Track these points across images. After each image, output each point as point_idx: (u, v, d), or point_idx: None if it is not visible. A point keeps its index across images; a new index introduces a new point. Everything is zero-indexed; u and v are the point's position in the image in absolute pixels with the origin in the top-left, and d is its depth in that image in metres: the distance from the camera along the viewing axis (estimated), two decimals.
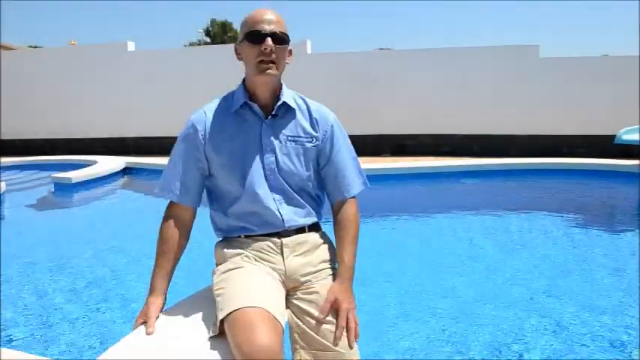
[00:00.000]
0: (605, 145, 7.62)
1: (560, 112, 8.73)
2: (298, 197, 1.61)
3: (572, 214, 4.86)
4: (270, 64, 1.50)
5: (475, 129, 9.08)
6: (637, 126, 6.42)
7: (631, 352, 2.34)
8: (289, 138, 1.59)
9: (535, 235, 4.27)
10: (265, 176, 1.56)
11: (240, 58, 1.58)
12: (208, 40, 39.82)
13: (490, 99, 9.02)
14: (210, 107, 1.60)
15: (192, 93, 8.73)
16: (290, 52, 1.58)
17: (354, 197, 1.66)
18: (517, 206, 5.31)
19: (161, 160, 7.51)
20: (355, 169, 1.67)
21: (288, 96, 1.61)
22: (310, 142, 1.60)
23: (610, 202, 5.78)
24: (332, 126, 1.64)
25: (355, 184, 1.66)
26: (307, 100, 1.67)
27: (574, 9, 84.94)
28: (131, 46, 10.55)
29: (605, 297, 2.95)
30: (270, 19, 1.50)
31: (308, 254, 1.59)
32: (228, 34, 39.95)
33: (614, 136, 6.41)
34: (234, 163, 1.55)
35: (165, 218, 1.59)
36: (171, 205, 1.61)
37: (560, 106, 8.73)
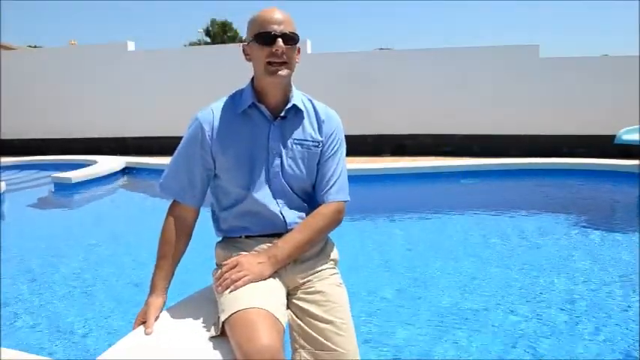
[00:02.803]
0: (605, 145, 7.61)
1: (560, 112, 8.73)
2: (300, 200, 1.61)
3: (572, 215, 4.86)
4: (282, 65, 1.48)
5: (475, 129, 9.08)
6: (637, 126, 6.41)
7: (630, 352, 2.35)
8: (296, 141, 1.57)
9: (535, 235, 4.26)
10: (269, 179, 1.55)
11: (248, 59, 1.56)
12: (208, 40, 39.83)
13: (490, 99, 9.02)
14: (218, 106, 1.58)
15: (192, 93, 8.75)
16: (299, 50, 1.56)
17: (336, 202, 1.60)
18: (517, 206, 5.30)
19: (161, 160, 7.51)
20: (343, 179, 1.64)
21: (297, 98, 1.59)
22: (316, 146, 1.59)
23: (610, 202, 5.78)
24: (335, 131, 1.63)
25: (339, 194, 1.61)
26: (314, 102, 1.65)
27: (574, 9, 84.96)
28: (131, 46, 10.55)
29: (606, 296, 2.95)
30: (280, 18, 1.48)
31: (308, 256, 1.59)
32: (228, 34, 39.98)
33: (614, 136, 6.40)
34: (240, 164, 1.54)
35: (168, 218, 1.58)
36: (174, 204, 1.59)
37: (560, 106, 8.73)
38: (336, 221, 1.60)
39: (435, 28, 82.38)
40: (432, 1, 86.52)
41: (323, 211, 1.57)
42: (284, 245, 1.50)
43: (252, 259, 1.48)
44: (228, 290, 1.41)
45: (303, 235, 1.52)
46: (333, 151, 1.62)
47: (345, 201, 1.63)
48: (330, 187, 1.60)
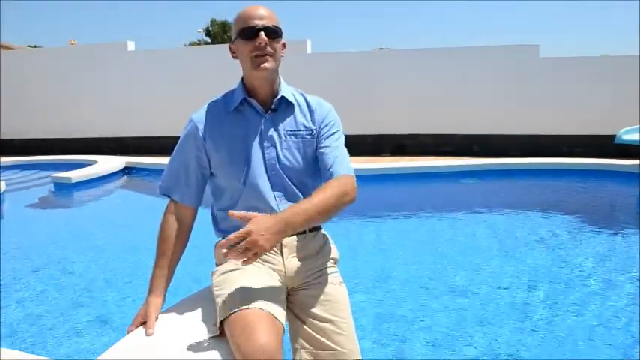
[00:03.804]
0: (604, 145, 7.62)
1: (560, 112, 8.73)
2: (299, 194, 1.60)
3: (572, 215, 4.85)
4: (266, 57, 1.50)
5: (475, 129, 9.08)
6: (637, 126, 6.42)
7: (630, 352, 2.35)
8: (289, 132, 1.58)
9: (535, 235, 4.26)
10: (266, 171, 1.56)
11: (235, 57, 1.59)
12: (208, 40, 39.89)
13: (490, 99, 9.02)
14: (211, 106, 1.61)
15: (191, 93, 8.71)
16: (284, 45, 1.58)
17: (345, 175, 1.53)
18: (517, 206, 5.30)
19: (161, 160, 7.51)
20: (347, 160, 1.60)
21: (286, 91, 1.61)
22: (310, 135, 1.60)
23: (610, 202, 5.77)
24: (328, 116, 1.63)
25: (346, 170, 1.55)
26: (306, 94, 1.67)
27: (574, 9, 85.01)
28: (131, 46, 10.55)
29: (605, 296, 2.95)
30: (262, 14, 1.51)
31: (308, 255, 1.59)
32: (228, 34, 39.98)
33: (614, 136, 6.41)
34: (235, 159, 1.55)
35: (166, 217, 1.59)
36: (171, 203, 1.60)
37: (560, 106, 8.73)
38: (345, 193, 1.47)
39: (434, 28, 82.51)
40: (432, 1, 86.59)
41: (332, 183, 1.49)
42: (297, 216, 1.36)
43: (264, 229, 1.30)
44: (228, 290, 1.41)
45: (314, 205, 1.40)
46: (330, 133, 1.61)
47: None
48: (333, 165, 1.55)
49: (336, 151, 1.59)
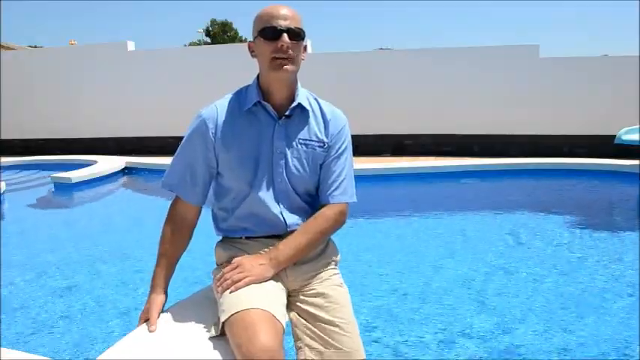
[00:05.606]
0: (605, 145, 7.62)
1: (560, 112, 8.73)
2: (302, 201, 1.59)
3: (572, 215, 4.86)
4: (287, 60, 1.46)
5: (475, 129, 9.08)
6: (637, 126, 6.42)
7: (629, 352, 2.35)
8: (301, 141, 1.55)
9: (535, 235, 4.27)
10: (273, 179, 1.54)
11: (254, 55, 1.55)
12: (208, 40, 39.90)
13: (490, 99, 9.01)
14: (222, 103, 1.56)
15: (191, 93, 8.74)
16: (305, 48, 1.54)
17: (339, 204, 1.59)
18: (517, 206, 5.31)
19: (161, 160, 7.51)
20: (349, 181, 1.62)
21: (302, 96, 1.57)
22: (321, 147, 1.57)
23: (610, 202, 5.78)
24: (341, 131, 1.61)
25: (343, 196, 1.59)
26: (320, 101, 1.63)
27: (574, 9, 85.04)
28: (131, 45, 10.54)
29: (605, 297, 2.95)
30: (286, 14, 1.47)
31: (309, 258, 1.58)
32: (228, 34, 40.04)
33: (614, 136, 6.41)
34: (244, 164, 1.52)
35: (169, 215, 1.57)
36: (175, 201, 1.58)
37: (560, 106, 8.73)
38: (338, 223, 1.59)
39: (434, 29, 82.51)
40: (432, 1, 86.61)
41: (326, 213, 1.56)
42: (285, 247, 1.49)
43: (254, 260, 1.47)
44: (228, 291, 1.41)
45: (305, 238, 1.51)
46: (339, 152, 1.60)
47: (349, 203, 1.62)
48: (335, 189, 1.58)
49: (340, 175, 1.59)
